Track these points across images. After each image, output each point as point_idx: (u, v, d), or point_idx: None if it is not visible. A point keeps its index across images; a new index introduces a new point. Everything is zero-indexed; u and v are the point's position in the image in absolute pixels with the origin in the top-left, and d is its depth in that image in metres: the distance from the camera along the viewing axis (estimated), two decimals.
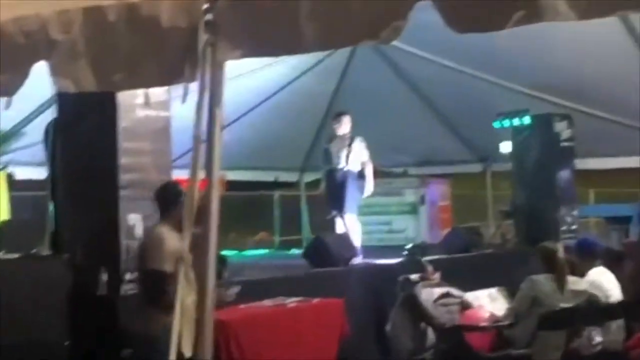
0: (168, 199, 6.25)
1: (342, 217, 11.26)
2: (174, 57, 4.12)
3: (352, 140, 11.36)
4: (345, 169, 11.21)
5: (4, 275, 6.60)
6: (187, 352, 3.92)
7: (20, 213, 17.22)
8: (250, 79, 11.95)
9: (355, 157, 11.26)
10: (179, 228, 5.11)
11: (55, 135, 7.59)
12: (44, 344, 6.59)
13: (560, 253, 7.77)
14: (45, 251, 7.86)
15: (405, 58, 12.77)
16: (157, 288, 5.71)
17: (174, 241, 5.62)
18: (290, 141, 14.65)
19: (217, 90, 4.09)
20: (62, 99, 7.46)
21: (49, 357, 6.59)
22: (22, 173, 12.61)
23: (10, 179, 12.74)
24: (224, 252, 9.98)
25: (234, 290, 6.87)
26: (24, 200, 17.50)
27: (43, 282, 6.76)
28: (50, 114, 7.73)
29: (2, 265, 6.90)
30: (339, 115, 11.61)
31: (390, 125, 14.36)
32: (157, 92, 7.24)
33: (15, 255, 7.14)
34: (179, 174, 9.58)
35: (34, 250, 7.38)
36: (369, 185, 11.25)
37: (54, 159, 7.68)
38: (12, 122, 10.86)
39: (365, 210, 14.74)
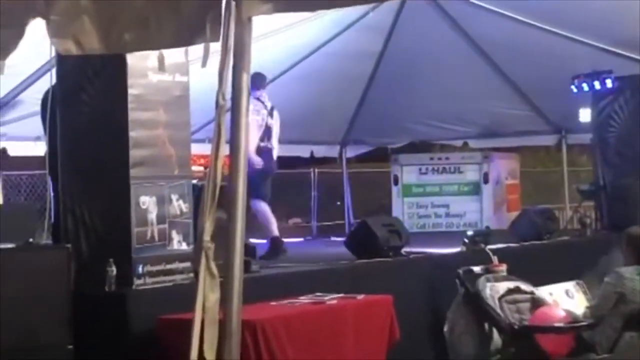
0: None
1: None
2: (192, 13, 4.12)
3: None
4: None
5: None
6: (211, 358, 3.93)
7: (15, 195, 17.45)
8: (282, 37, 11.94)
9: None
10: None
11: (55, 105, 7.63)
12: (44, 347, 6.64)
13: None
14: (44, 240, 7.92)
15: (464, 11, 12.70)
16: None
17: None
18: (330, 110, 14.66)
19: (242, 50, 4.09)
20: (62, 63, 7.50)
21: None
22: (17, 149, 12.72)
23: (3, 156, 12.87)
24: (252, 241, 10.00)
25: None
26: (19, 180, 17.72)
27: (42, 276, 6.80)
28: (49, 80, 7.76)
29: None
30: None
31: (448, 91, 14.32)
32: (173, 54, 7.24)
33: (9, 245, 7.18)
34: (199, 149, 9.70)
35: (30, 240, 7.42)
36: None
37: (53, 133, 7.72)
38: (4, 89, 10.94)
39: (418, 191, 14.80)
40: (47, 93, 7.94)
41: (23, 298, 6.61)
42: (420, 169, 15.06)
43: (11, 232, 7.56)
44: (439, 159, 15.51)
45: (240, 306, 3.95)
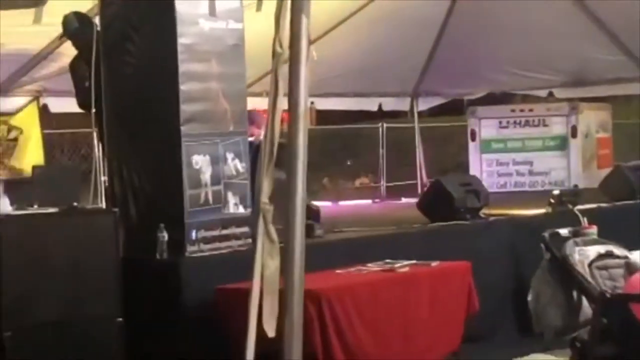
0: None
1: None
2: None
3: None
4: None
5: (38, 235, 6.70)
6: (270, 331, 3.95)
7: (58, 156, 17.64)
8: None
9: None
10: None
11: (99, 57, 7.67)
12: (91, 320, 6.72)
13: None
14: (91, 204, 8.00)
15: None
16: None
17: None
18: (399, 59, 14.57)
19: None
20: (105, 10, 7.53)
21: (97, 335, 6.72)
22: (59, 105, 12.80)
23: (44, 113, 12.98)
24: (315, 203, 10.01)
25: None
26: (63, 139, 17.92)
27: (88, 243, 6.87)
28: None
29: (36, 222, 6.99)
30: None
31: (531, 35, 14.15)
32: None
33: (52, 210, 7.26)
34: (256, 103, 9.71)
35: (75, 204, 7.49)
36: None
37: (99, 87, 7.77)
38: (44, 41, 11.01)
39: (499, 147, 14.69)
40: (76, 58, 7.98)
41: (68, 267, 6.69)
42: (500, 122, 14.95)
43: (54, 196, 7.64)
44: (521, 110, 15.37)
45: (302, 274, 3.95)
